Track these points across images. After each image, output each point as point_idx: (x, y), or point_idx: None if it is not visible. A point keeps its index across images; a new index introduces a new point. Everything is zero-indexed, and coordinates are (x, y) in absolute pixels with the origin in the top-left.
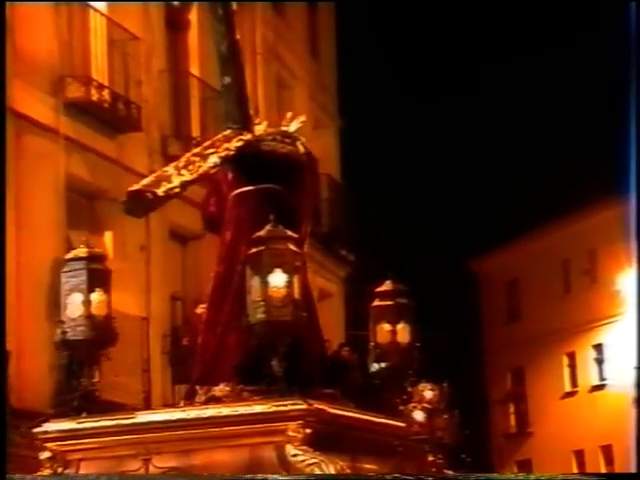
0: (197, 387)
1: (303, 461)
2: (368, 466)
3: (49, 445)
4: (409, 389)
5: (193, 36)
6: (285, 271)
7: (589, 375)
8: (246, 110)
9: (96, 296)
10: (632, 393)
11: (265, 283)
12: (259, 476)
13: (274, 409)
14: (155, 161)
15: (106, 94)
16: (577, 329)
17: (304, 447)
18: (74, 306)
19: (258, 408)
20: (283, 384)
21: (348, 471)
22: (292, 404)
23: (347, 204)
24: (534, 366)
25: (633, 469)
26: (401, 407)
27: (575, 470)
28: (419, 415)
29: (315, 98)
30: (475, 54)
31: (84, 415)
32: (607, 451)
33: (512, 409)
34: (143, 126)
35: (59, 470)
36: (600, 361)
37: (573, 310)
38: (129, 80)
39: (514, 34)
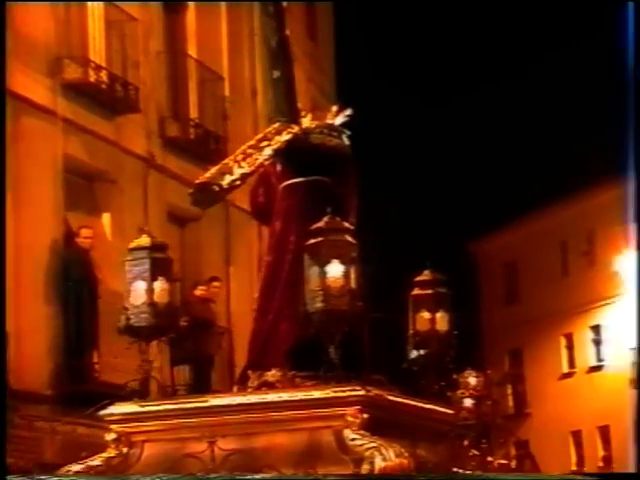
0: (249, 372)
1: (362, 445)
2: (421, 451)
3: (114, 427)
4: (455, 376)
5: (191, 18)
6: (342, 262)
7: (587, 356)
8: (294, 103)
9: (158, 284)
10: (629, 374)
11: (323, 273)
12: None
13: (333, 395)
14: (153, 142)
15: (104, 75)
16: (575, 310)
17: (362, 432)
18: (137, 293)
19: (317, 394)
20: (340, 371)
21: (406, 454)
22: (350, 390)
23: None
24: (532, 347)
25: (630, 449)
26: (449, 394)
27: (572, 450)
28: (467, 402)
29: (313, 79)
30: (476, 42)
31: (146, 399)
32: (604, 432)
33: (510, 390)
34: (141, 107)
35: (124, 450)
36: (598, 342)
37: (571, 291)
38: (127, 61)
39: (517, 30)
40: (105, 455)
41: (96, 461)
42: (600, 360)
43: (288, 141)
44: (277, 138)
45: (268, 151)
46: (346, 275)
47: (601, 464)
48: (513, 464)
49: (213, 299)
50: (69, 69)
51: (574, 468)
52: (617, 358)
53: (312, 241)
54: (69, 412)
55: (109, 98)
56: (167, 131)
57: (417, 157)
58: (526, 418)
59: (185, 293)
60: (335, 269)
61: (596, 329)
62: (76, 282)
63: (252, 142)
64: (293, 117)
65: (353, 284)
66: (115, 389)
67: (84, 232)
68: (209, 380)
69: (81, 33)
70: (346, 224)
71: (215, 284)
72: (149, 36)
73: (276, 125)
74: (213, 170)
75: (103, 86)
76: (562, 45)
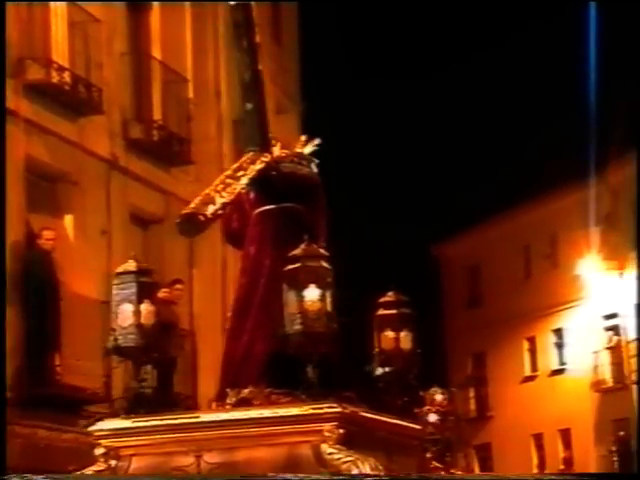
0: (227, 390)
1: (339, 459)
2: (394, 464)
3: (103, 442)
4: (421, 393)
5: (155, 19)
6: (319, 286)
7: (549, 359)
8: (266, 134)
9: (144, 306)
10: (590, 377)
11: (301, 297)
12: (289, 475)
13: (311, 411)
14: (116, 144)
15: (67, 76)
16: (537, 314)
17: (338, 446)
18: (124, 315)
19: (296, 410)
20: (318, 389)
21: (381, 468)
22: (327, 407)
23: None
24: (495, 350)
25: (591, 452)
26: (416, 410)
27: (534, 452)
28: (432, 417)
29: (277, 82)
30: (436, 39)
31: (134, 414)
32: (565, 435)
33: (472, 393)
34: (104, 109)
35: (112, 464)
36: (560, 345)
37: (534, 295)
38: (90, 63)
39: (477, 22)
40: (94, 468)
41: (86, 473)
42: (562, 363)
43: (260, 170)
44: (252, 167)
45: (245, 180)
46: (322, 299)
47: (562, 466)
48: (476, 468)
49: (176, 301)
50: (32, 70)
51: (535, 470)
52: (579, 361)
53: (290, 267)
54: (30, 415)
55: (72, 99)
56: (130, 133)
57: (381, 160)
58: (488, 421)
59: None
60: (312, 293)
61: (558, 332)
62: (38, 284)
63: (229, 172)
64: (265, 147)
65: (329, 307)
66: (76, 391)
67: (46, 234)
68: (171, 382)
69: (44, 34)
70: (322, 251)
71: (178, 286)
72: (113, 37)
73: (250, 155)
74: (197, 200)
75: (66, 87)
76: (523, 47)
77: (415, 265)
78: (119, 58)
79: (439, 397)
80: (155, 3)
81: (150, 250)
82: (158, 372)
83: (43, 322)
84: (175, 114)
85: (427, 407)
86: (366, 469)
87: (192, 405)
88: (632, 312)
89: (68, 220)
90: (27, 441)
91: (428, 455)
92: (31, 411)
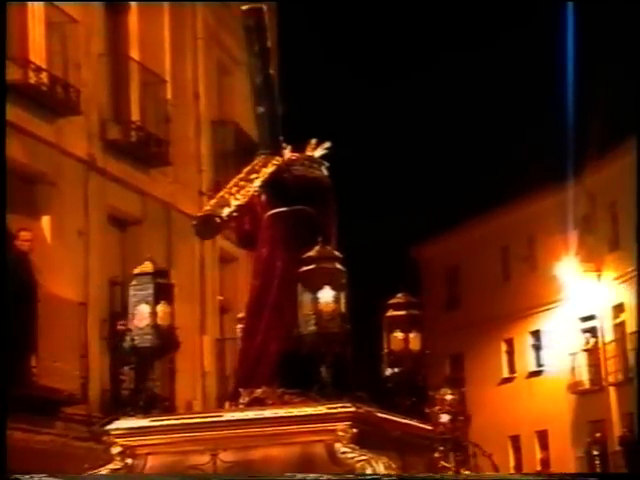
0: (240, 390)
1: (353, 458)
2: (406, 463)
3: (119, 440)
4: (431, 394)
5: (133, 20)
6: (333, 288)
7: (526, 361)
8: (277, 137)
9: (161, 307)
10: (567, 379)
11: (316, 299)
12: (299, 476)
13: (325, 411)
14: (94, 145)
15: (44, 77)
16: (515, 315)
17: (352, 445)
18: (141, 316)
19: (310, 410)
20: (331, 389)
21: (394, 466)
22: (341, 407)
23: None
24: (473, 352)
25: (570, 453)
26: (427, 410)
27: (511, 453)
28: (443, 417)
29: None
30: (416, 40)
31: (150, 414)
32: (542, 436)
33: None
34: (82, 110)
35: (128, 462)
36: (537, 347)
37: (512, 297)
38: (68, 63)
39: (456, 26)
40: (111, 467)
41: (102, 472)
42: (539, 365)
43: (272, 173)
44: (264, 170)
45: (257, 182)
46: (337, 300)
47: (539, 467)
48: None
49: None
50: (9, 70)
51: (512, 472)
52: (556, 363)
53: (305, 268)
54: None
55: (50, 100)
56: (108, 134)
57: (360, 161)
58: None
59: (125, 296)
60: (327, 294)
61: (536, 334)
62: (15, 285)
63: (242, 175)
64: (276, 150)
65: (343, 308)
66: (53, 393)
67: (23, 235)
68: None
69: (21, 34)
70: (336, 252)
71: None
72: (90, 38)
73: (262, 158)
74: (212, 202)
75: (44, 88)
76: (501, 49)
77: (394, 266)
78: (97, 59)
79: (449, 397)
80: (133, 4)
81: (127, 251)
82: (136, 371)
83: (20, 323)
84: (153, 115)
85: (438, 407)
86: (380, 468)
87: (170, 407)
88: (608, 314)
89: (45, 221)
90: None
91: (436, 455)
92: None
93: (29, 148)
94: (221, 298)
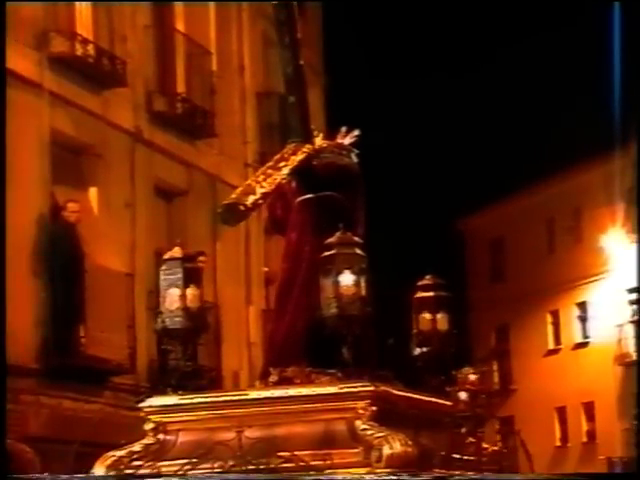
0: (270, 369)
1: (372, 434)
2: (424, 440)
3: (152, 417)
4: (454, 373)
5: None
6: (353, 272)
7: (572, 333)
8: (308, 126)
9: (190, 291)
10: (614, 351)
11: (337, 282)
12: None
13: (346, 390)
14: (140, 117)
15: (91, 49)
16: (561, 287)
17: (371, 422)
18: (171, 299)
19: (332, 389)
20: (352, 369)
21: (410, 443)
22: (361, 386)
23: None
24: (518, 324)
25: (616, 425)
26: (448, 389)
27: (557, 425)
28: (463, 395)
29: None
30: (467, 35)
31: (181, 392)
32: (589, 408)
33: (496, 366)
34: (128, 82)
35: (161, 438)
36: (583, 319)
37: (557, 268)
38: (114, 35)
39: (503, 13)
40: (144, 442)
41: (136, 447)
42: (585, 337)
43: (302, 160)
44: (293, 158)
45: (286, 170)
46: (357, 284)
47: (585, 439)
48: (499, 443)
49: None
50: (56, 42)
51: (558, 444)
52: (602, 335)
53: (326, 253)
54: (55, 385)
55: (96, 72)
56: (154, 105)
57: (405, 134)
58: (511, 394)
59: None
60: (347, 279)
61: (582, 306)
62: (63, 256)
63: (271, 163)
64: (307, 138)
65: (363, 292)
66: (101, 363)
67: (71, 206)
68: (196, 355)
69: (68, 7)
70: (356, 238)
71: (201, 259)
72: (136, 10)
73: (292, 146)
74: (238, 191)
75: (90, 60)
76: (549, 27)
77: (439, 239)
78: (143, 31)
79: (472, 377)
80: None
81: (173, 223)
82: (182, 345)
83: (68, 294)
84: (199, 87)
85: (459, 386)
86: (396, 445)
87: (216, 377)
88: None
89: (92, 193)
90: (53, 411)
91: (463, 430)
92: (57, 382)
93: (76, 120)
94: (266, 269)
